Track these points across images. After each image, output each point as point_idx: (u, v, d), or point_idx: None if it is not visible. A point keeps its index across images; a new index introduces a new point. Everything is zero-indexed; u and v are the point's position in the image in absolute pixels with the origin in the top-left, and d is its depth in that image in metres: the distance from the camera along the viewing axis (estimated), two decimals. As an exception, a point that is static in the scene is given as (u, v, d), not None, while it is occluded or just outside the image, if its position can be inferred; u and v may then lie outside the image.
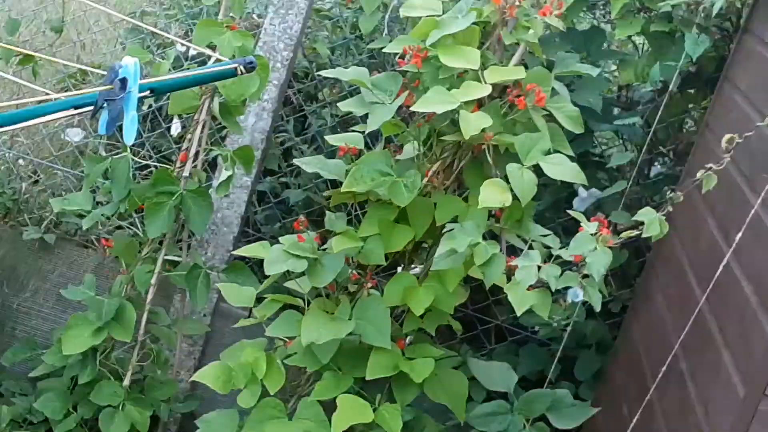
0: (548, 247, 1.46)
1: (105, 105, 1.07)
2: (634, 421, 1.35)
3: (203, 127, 1.66)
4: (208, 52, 1.49)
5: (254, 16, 2.23)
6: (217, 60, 1.43)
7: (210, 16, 2.06)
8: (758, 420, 1.07)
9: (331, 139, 1.70)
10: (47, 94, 1.74)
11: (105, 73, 1.09)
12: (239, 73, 1.21)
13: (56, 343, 1.84)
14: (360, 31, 2.11)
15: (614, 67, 2.27)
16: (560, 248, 1.42)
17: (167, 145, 2.16)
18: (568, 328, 1.76)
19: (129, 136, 1.10)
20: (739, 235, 1.20)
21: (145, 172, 2.08)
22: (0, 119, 1.02)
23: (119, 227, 2.09)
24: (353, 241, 1.54)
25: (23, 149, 2.41)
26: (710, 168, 1.29)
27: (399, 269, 1.68)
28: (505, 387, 1.64)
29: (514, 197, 1.40)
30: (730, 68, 1.83)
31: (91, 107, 1.07)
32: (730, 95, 1.76)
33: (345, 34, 2.39)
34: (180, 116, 2.04)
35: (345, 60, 2.30)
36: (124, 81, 1.06)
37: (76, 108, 1.11)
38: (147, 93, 1.18)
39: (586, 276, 1.37)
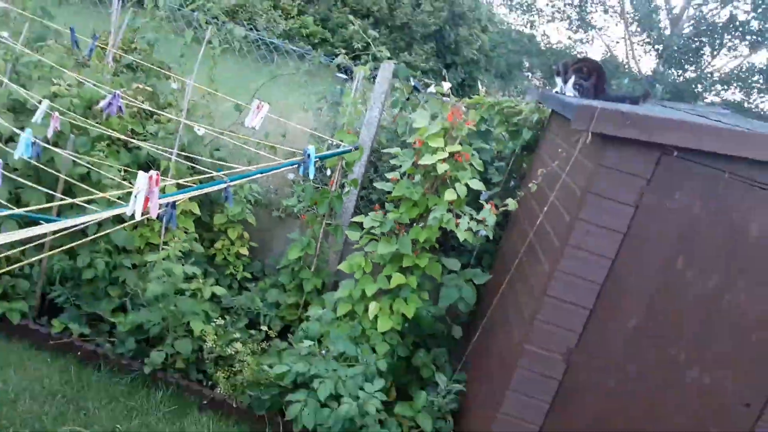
0: (471, 215, 3.90)
1: (302, 164, 3.43)
2: (498, 294, 3.81)
3: (339, 171, 4.03)
4: (342, 144, 3.87)
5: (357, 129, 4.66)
6: (345, 146, 3.83)
7: (343, 127, 4.46)
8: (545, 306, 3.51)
9: (387, 176, 4.11)
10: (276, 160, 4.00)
11: (302, 150, 3.46)
12: (352, 150, 3.64)
13: (287, 254, 4.21)
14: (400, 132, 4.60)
15: (494, 144, 4.82)
16: (476, 216, 3.87)
17: (326, 180, 4.58)
18: (477, 246, 4.24)
19: (311, 174, 3.47)
20: (545, 208, 3.68)
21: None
22: (259, 172, 3.33)
23: (308, 210, 4.39)
24: (397, 214, 3.92)
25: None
26: (532, 183, 3.78)
27: (415, 225, 4.07)
28: (456, 266, 4.07)
29: (458, 196, 3.82)
30: (540, 143, 4.41)
31: (296, 165, 3.44)
32: (539, 153, 4.32)
33: (392, 135, 4.88)
34: (331, 167, 4.39)
35: (393, 144, 4.75)
36: (308, 155, 3.43)
37: (292, 165, 3.46)
38: (318, 161, 3.56)
39: (485, 225, 3.82)
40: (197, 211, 4.40)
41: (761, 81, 13.02)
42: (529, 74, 15.73)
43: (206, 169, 3.89)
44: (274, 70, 4.88)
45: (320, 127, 4.98)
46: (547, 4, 15.09)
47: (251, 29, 15.11)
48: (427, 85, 5.03)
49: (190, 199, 4.30)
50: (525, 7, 15.25)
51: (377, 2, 20.56)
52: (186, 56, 4.83)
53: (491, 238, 3.95)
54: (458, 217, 3.87)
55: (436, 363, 4.18)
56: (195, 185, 2.66)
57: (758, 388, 3.08)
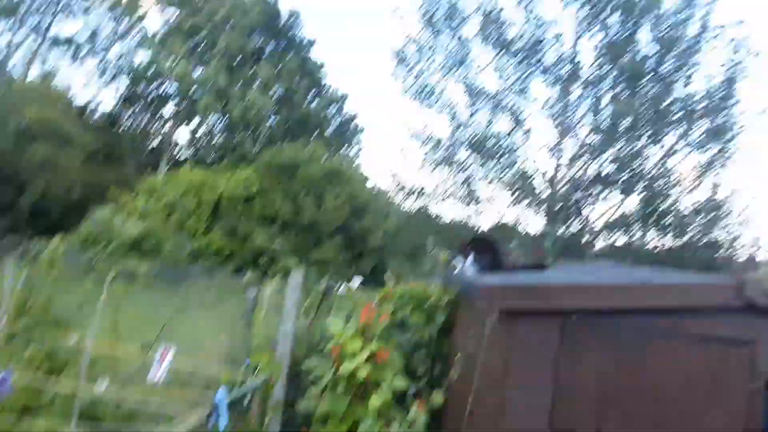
0: (401, 419, 3.73)
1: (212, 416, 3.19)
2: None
3: (259, 401, 3.82)
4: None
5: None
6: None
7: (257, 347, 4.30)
8: None
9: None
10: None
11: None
12: (263, 381, 3.49)
13: None
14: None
15: (412, 333, 4.84)
16: (407, 418, 3.70)
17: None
18: None
19: (222, 426, 3.20)
20: (472, 393, 3.61)
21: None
22: None
23: None
24: None
25: None
26: (452, 371, 3.72)
27: None
28: None
29: (384, 401, 3.68)
30: (455, 323, 4.47)
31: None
32: (456, 335, 4.36)
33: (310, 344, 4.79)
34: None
35: (312, 353, 4.61)
36: (217, 403, 3.21)
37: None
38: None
39: (415, 429, 3.65)
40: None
41: (639, 223, 14.43)
42: (434, 251, 16.59)
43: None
44: (181, 301, 4.81)
45: (235, 348, 4.83)
46: (436, 187, 16.40)
47: (156, 256, 15.17)
48: (339, 284, 5.13)
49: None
50: (418, 193, 16.51)
51: (282, 208, 21.61)
52: (88, 303, 4.68)
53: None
54: (388, 423, 3.71)
55: None
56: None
57: None
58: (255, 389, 3.73)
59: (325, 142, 30.57)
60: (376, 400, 3.60)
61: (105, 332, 4.29)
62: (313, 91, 32.12)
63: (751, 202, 14.08)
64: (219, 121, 28.86)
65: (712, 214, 13.84)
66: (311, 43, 32.25)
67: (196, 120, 29.87)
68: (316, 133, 30.87)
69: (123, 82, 30.64)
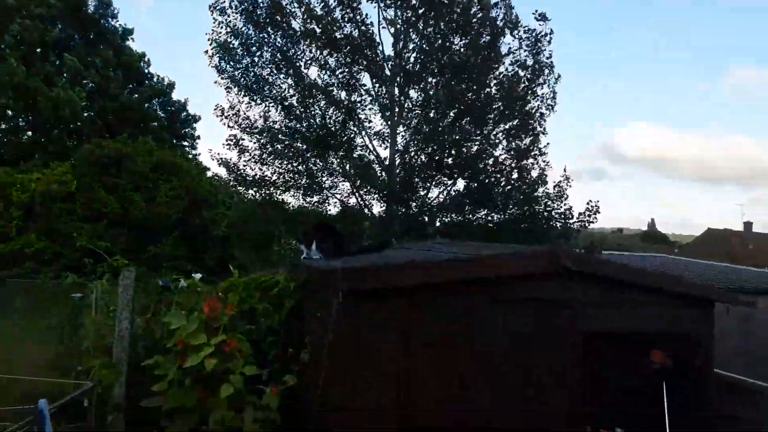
0: (254, 403, 3.68)
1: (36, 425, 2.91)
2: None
3: (94, 404, 3.50)
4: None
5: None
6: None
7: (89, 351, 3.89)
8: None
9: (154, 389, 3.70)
10: None
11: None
12: (95, 385, 3.26)
13: None
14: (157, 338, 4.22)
15: (263, 320, 4.78)
16: (260, 402, 3.67)
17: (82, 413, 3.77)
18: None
19: None
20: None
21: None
22: None
23: None
24: (175, 430, 3.53)
25: None
26: (304, 352, 3.75)
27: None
28: None
29: (235, 389, 3.61)
30: (304, 307, 4.52)
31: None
32: (306, 318, 4.41)
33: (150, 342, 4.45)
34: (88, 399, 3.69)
35: (153, 352, 4.28)
36: (41, 411, 2.95)
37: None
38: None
39: (271, 410, 3.64)
40: None
41: (468, 203, 15.67)
42: (282, 240, 16.41)
43: None
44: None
45: (63, 356, 4.39)
46: (278, 178, 16.23)
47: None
48: (178, 280, 4.88)
49: None
50: (259, 183, 16.20)
51: (108, 204, 19.84)
52: None
53: (280, 421, 3.78)
54: (241, 410, 3.66)
55: None
56: None
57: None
58: (84, 393, 3.44)
59: (154, 134, 28.57)
60: (226, 390, 3.52)
61: None
62: (133, 82, 29.82)
63: (562, 179, 15.86)
64: (24, 117, 25.46)
65: (528, 190, 15.51)
66: (129, 31, 29.81)
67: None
68: (141, 125, 28.65)
69: None
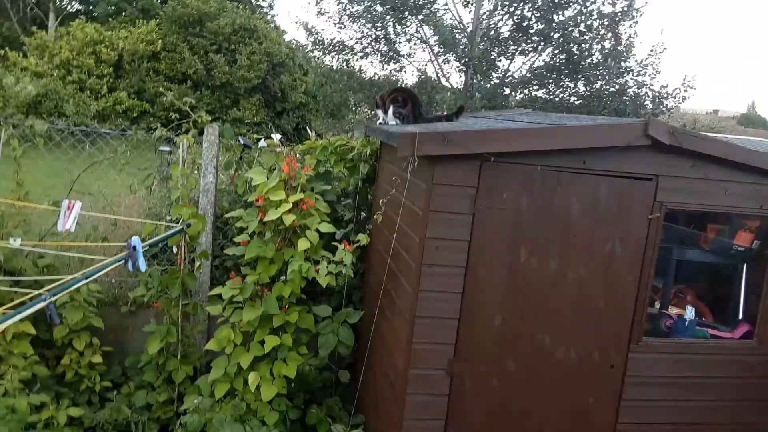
0: (328, 258, 3.90)
1: (129, 259, 3.18)
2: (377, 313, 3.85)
3: (183, 247, 3.81)
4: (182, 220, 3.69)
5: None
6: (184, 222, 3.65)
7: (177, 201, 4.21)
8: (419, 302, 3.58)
9: (237, 240, 3.96)
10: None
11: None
12: (184, 228, 3.49)
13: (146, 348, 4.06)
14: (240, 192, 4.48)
15: (337, 183, 4.89)
16: (333, 258, 3.88)
17: (174, 259, 4.20)
18: (344, 285, 4.24)
19: (143, 267, 3.23)
20: (395, 234, 3.78)
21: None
22: (84, 278, 3.11)
23: (161, 295, 4.04)
24: (255, 275, 3.81)
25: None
26: (377, 214, 3.87)
27: (276, 282, 3.97)
28: (327, 312, 4.03)
29: (312, 244, 3.81)
30: (378, 173, 4.57)
31: (125, 261, 3.20)
32: (380, 183, 4.47)
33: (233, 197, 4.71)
34: (175, 244, 4.06)
35: (236, 206, 4.57)
36: (133, 247, 3.20)
37: (119, 262, 3.20)
38: (146, 248, 3.36)
39: (344, 265, 3.83)
40: (32, 330, 3.92)
41: (553, 76, 14.76)
42: (356, 108, 16.36)
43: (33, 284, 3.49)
44: (89, 157, 4.55)
45: (155, 204, 4.73)
46: (356, 43, 15.78)
47: (58, 117, 14.04)
48: (258, 140, 5.00)
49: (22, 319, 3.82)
50: (338, 48, 15.86)
51: (192, 65, 20.21)
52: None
53: (353, 275, 3.98)
54: (316, 263, 3.86)
55: (332, 414, 4.09)
56: (11, 311, 2.35)
57: (617, 350, 3.41)
58: (174, 234, 3.72)
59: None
60: (303, 243, 3.70)
61: (9, 193, 4.04)
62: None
63: (658, 54, 14.52)
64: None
65: (621, 63, 14.36)
66: None
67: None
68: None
69: None
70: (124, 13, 24.49)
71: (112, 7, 25.40)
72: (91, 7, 26.29)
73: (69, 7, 28.78)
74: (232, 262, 4.60)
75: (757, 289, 3.72)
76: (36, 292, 2.48)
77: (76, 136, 5.25)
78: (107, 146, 5.25)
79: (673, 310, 3.90)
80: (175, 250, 4.02)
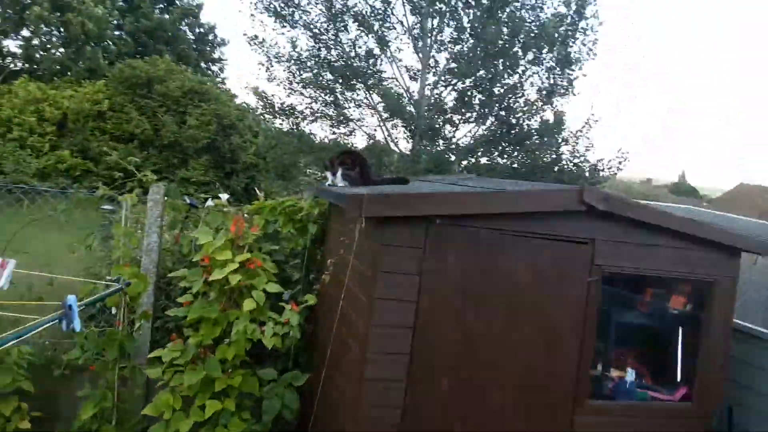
0: (275, 319, 3.84)
1: (64, 318, 3.05)
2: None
3: (123, 307, 3.68)
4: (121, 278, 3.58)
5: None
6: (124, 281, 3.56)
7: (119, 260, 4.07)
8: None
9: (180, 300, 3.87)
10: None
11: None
12: (123, 287, 3.40)
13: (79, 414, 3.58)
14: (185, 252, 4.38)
15: (286, 243, 4.89)
16: (280, 319, 3.82)
17: (112, 320, 4.00)
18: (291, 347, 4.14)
19: (78, 327, 3.09)
20: (342, 294, 3.77)
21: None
22: (14, 337, 2.97)
23: (97, 358, 3.81)
24: (198, 337, 3.70)
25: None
26: (325, 275, 3.86)
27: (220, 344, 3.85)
28: (273, 375, 3.92)
29: (258, 304, 3.75)
30: (327, 233, 4.60)
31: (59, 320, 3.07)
32: (328, 244, 4.49)
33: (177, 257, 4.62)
34: (114, 305, 3.89)
35: (180, 266, 4.46)
36: (69, 306, 3.08)
37: (53, 321, 3.07)
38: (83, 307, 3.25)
39: (290, 326, 3.78)
40: (-47, 394, 3.64)
41: (496, 143, 15.45)
42: (306, 170, 16.53)
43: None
44: (27, 215, 4.40)
45: (95, 264, 4.57)
46: (306, 108, 16.13)
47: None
48: (206, 200, 4.97)
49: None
50: (288, 112, 16.13)
51: (139, 125, 20.05)
52: None
53: (300, 336, 3.93)
54: (262, 324, 3.80)
55: (274, 483, 3.92)
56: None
57: (563, 412, 3.45)
58: (113, 294, 3.60)
59: (184, 57, 28.40)
60: (249, 303, 3.65)
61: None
62: (163, 2, 29.48)
63: (594, 126, 15.49)
64: (55, 32, 25.26)
65: (557, 135, 15.23)
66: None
67: (27, 31, 26.13)
68: (171, 47, 28.46)
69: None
70: (69, 73, 24.25)
71: (58, 66, 25.13)
72: (35, 66, 25.90)
73: (11, 65, 28.28)
74: (173, 323, 4.45)
75: (693, 351, 3.87)
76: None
77: (14, 194, 5.08)
78: (46, 204, 5.10)
79: (614, 373, 4.01)
80: (114, 311, 3.87)
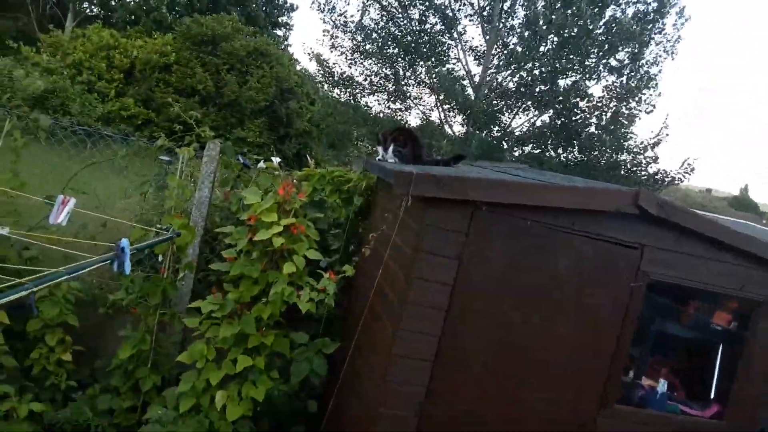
0: (312, 285, 3.91)
1: (116, 259, 3.18)
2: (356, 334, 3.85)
3: (170, 256, 3.81)
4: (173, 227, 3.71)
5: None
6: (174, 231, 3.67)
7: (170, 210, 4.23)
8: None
9: (224, 255, 3.98)
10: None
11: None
12: (173, 236, 3.50)
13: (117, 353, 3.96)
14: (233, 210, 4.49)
15: (330, 212, 4.95)
16: (317, 285, 3.89)
17: (158, 266, 4.21)
18: (324, 314, 4.23)
19: (128, 270, 3.21)
20: (381, 270, 3.81)
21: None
22: (67, 273, 3.10)
23: (140, 301, 4.00)
24: (237, 294, 3.81)
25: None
26: (365, 248, 3.90)
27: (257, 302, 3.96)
28: (304, 339, 4.01)
29: (297, 268, 3.83)
30: (371, 208, 4.62)
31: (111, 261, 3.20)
32: (372, 218, 4.52)
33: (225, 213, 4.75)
34: (161, 253, 4.05)
35: (227, 222, 4.60)
36: (122, 249, 3.21)
37: (105, 261, 3.20)
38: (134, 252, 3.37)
39: (326, 293, 3.84)
40: (5, 319, 3.88)
41: (552, 136, 15.07)
42: (358, 142, 16.58)
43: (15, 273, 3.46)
44: (88, 157, 4.58)
45: (148, 211, 4.74)
46: (365, 79, 16.11)
47: (63, 115, 14.10)
48: (258, 161, 5.06)
49: (-3, 307, 3.78)
50: (346, 83, 16.17)
51: (202, 81, 20.45)
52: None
53: (335, 305, 3.99)
54: (299, 289, 3.87)
55: (295, 443, 4.04)
56: (-6, 294, 2.34)
57: (588, 411, 3.41)
58: (163, 242, 3.73)
59: (252, 19, 28.71)
60: (289, 267, 3.72)
61: (4, 182, 4.05)
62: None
63: (660, 128, 14.86)
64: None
65: (620, 134, 14.68)
66: None
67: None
68: (241, 7, 28.83)
69: None
70: (138, 24, 24.90)
71: (131, 16, 25.84)
72: (109, 13, 26.74)
73: (88, 10, 29.27)
74: (215, 277, 4.59)
75: (731, 370, 3.75)
76: (17, 281, 2.48)
77: (79, 135, 5.29)
78: (108, 149, 5.29)
79: (646, 381, 3.93)
80: (160, 258, 4.02)
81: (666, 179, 14.64)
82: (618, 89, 14.75)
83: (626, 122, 14.74)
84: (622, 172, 14.73)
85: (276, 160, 4.86)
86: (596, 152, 14.85)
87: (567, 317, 3.34)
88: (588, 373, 3.40)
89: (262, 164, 4.87)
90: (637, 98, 14.77)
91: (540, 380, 3.36)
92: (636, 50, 14.46)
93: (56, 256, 4.01)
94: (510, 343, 3.30)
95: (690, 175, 14.56)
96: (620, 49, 14.46)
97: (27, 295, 2.21)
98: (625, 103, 14.84)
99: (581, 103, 14.82)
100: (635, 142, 14.70)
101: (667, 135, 14.53)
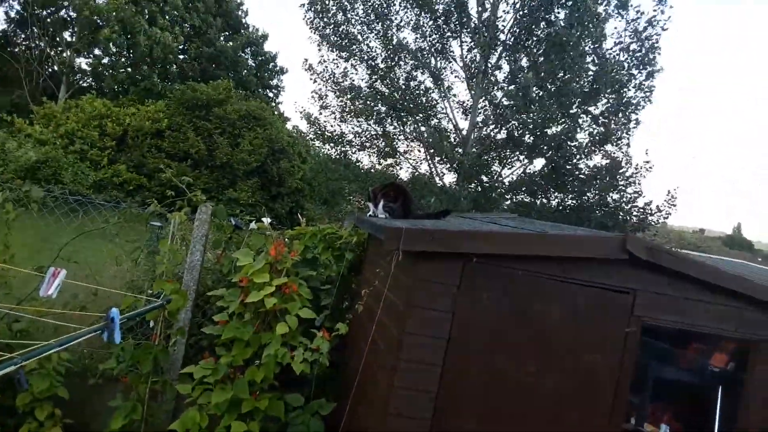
0: (305, 345, 3.87)
1: (106, 330, 3.16)
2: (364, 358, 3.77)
3: (161, 322, 3.79)
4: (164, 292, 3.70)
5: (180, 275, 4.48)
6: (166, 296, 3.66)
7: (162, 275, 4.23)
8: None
9: (215, 318, 3.95)
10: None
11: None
12: (164, 304, 3.49)
13: (109, 424, 3.66)
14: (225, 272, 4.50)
15: (323, 269, 4.95)
16: (310, 345, 3.85)
17: (149, 333, 4.14)
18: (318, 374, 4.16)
19: (118, 339, 3.18)
20: (374, 326, 3.78)
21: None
22: (57, 345, 3.08)
23: (131, 370, 3.93)
24: (229, 357, 3.76)
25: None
26: (358, 304, 3.89)
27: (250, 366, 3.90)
28: (299, 402, 3.93)
29: (290, 329, 3.80)
30: (363, 263, 4.62)
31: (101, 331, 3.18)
32: (364, 273, 4.51)
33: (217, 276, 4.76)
34: (153, 319, 4.02)
35: (220, 285, 4.58)
36: (112, 318, 3.19)
37: (95, 332, 3.18)
38: (124, 320, 3.35)
39: (320, 353, 3.80)
40: (-7, 395, 3.80)
41: (542, 183, 15.26)
42: (350, 198, 16.73)
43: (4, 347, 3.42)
44: (81, 226, 4.60)
45: (139, 277, 4.73)
46: (355, 136, 16.43)
47: (55, 184, 14.21)
48: (250, 222, 5.10)
49: (-16, 382, 3.70)
50: (337, 140, 16.46)
51: (195, 145, 20.75)
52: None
53: (329, 364, 3.94)
54: (293, 349, 3.83)
55: None
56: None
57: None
58: (154, 309, 3.70)
59: (243, 83, 29.47)
60: (282, 328, 3.69)
61: (-3, 252, 4.05)
62: (229, 30, 30.84)
63: (647, 171, 15.09)
64: (124, 53, 26.76)
65: (607, 180, 14.89)
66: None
67: (98, 50, 27.85)
68: (233, 73, 29.66)
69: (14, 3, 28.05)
70: (129, 92, 25.48)
71: (121, 86, 26.45)
72: (102, 84, 27.37)
73: (81, 81, 29.96)
74: (207, 341, 4.54)
75: (732, 412, 3.69)
76: (7, 355, 2.44)
77: (70, 205, 5.33)
78: (99, 216, 5.32)
79: (648, 428, 3.85)
80: (152, 324, 3.98)
81: (654, 213, 14.77)
82: (600, 135, 15.12)
83: (617, 164, 15.01)
84: (614, 210, 14.88)
85: (267, 220, 4.89)
86: (586, 196, 15.03)
87: (562, 366, 3.31)
88: (588, 421, 3.33)
89: (253, 225, 4.90)
90: (619, 141, 15.15)
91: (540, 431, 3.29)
92: (616, 99, 14.91)
93: (47, 328, 3.98)
94: (507, 394, 3.25)
95: (675, 208, 14.75)
96: (604, 95, 14.91)
97: (16, 370, 2.17)
98: (610, 147, 15.21)
99: (570, 147, 15.11)
100: (623, 176, 14.94)
101: (649, 169, 14.83)
